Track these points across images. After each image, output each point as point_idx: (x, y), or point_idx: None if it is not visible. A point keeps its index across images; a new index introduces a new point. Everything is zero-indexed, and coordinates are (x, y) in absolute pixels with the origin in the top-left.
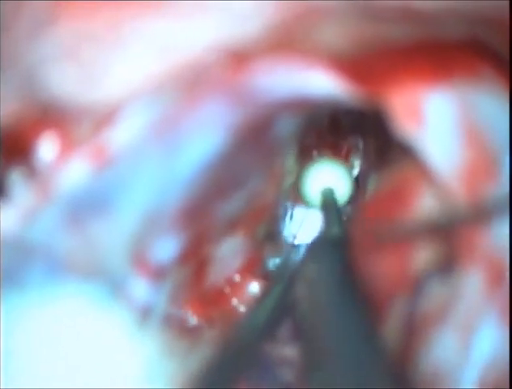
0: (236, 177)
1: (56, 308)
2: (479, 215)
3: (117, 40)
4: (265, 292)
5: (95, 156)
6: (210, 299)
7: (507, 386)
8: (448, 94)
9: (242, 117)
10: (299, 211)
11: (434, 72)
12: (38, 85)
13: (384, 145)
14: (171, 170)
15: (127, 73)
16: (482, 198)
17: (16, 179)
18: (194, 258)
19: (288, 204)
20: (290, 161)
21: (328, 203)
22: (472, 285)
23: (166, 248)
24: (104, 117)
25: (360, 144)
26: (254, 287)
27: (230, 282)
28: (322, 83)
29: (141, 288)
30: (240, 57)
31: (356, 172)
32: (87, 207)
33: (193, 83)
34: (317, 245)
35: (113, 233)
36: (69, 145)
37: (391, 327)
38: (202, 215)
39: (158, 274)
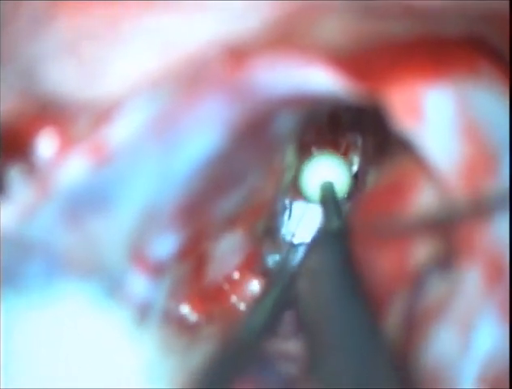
0: (235, 174)
1: (55, 306)
2: (478, 210)
3: (117, 37)
4: (265, 289)
5: (94, 152)
6: (209, 296)
7: (507, 381)
8: (447, 90)
9: (241, 113)
10: (298, 207)
11: (434, 68)
12: (37, 82)
13: (383, 141)
14: (170, 167)
15: (126, 69)
16: (481, 193)
17: (15, 176)
18: (193, 255)
19: (287, 201)
20: (289, 158)
21: (328, 197)
22: (472, 281)
23: (165, 245)
24: (103, 114)
25: (359, 141)
26: (253, 284)
27: (229, 279)
28: (321, 79)
29: (140, 285)
30: (239, 54)
31: (355, 168)
32: (85, 204)
33: (192, 79)
34: (318, 239)
35: (112, 230)
36: (68, 142)
37: (391, 322)
38: (200, 211)
39: (157, 271)
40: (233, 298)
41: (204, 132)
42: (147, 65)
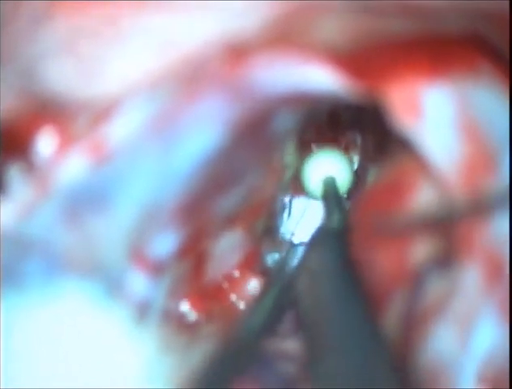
0: (235, 172)
1: (54, 304)
2: (478, 209)
3: (116, 36)
4: (265, 288)
5: (93, 151)
6: (208, 294)
7: (507, 380)
8: (447, 89)
9: (240, 111)
10: (298, 205)
11: (433, 67)
12: (37, 81)
13: (383, 140)
14: (169, 165)
15: (125, 68)
16: (481, 192)
17: (14, 174)
18: (193, 254)
19: (287, 199)
20: (289, 156)
21: (330, 192)
22: (471, 279)
23: (164, 243)
24: (103, 112)
25: (359, 139)
26: (253, 282)
27: (229, 277)
28: (320, 77)
29: (139, 283)
30: (238, 52)
31: (354, 166)
32: (85, 202)
33: (191, 78)
34: (318, 238)
35: (112, 228)
36: (67, 140)
37: (390, 320)
38: (200, 210)
39: (156, 269)
40: (233, 297)
41: (203, 130)
42: (146, 63)
